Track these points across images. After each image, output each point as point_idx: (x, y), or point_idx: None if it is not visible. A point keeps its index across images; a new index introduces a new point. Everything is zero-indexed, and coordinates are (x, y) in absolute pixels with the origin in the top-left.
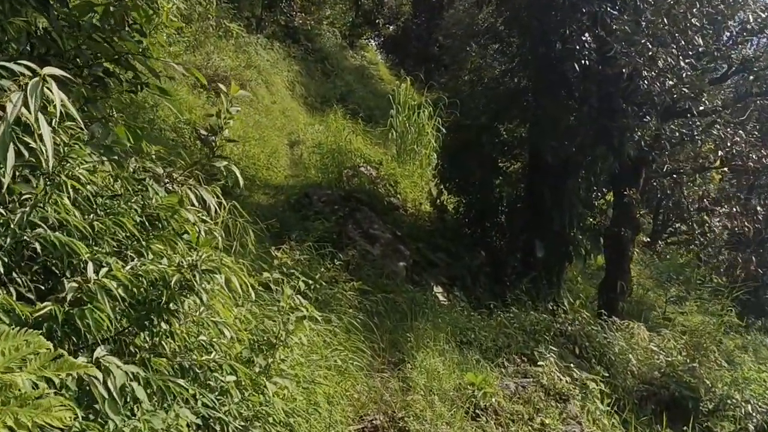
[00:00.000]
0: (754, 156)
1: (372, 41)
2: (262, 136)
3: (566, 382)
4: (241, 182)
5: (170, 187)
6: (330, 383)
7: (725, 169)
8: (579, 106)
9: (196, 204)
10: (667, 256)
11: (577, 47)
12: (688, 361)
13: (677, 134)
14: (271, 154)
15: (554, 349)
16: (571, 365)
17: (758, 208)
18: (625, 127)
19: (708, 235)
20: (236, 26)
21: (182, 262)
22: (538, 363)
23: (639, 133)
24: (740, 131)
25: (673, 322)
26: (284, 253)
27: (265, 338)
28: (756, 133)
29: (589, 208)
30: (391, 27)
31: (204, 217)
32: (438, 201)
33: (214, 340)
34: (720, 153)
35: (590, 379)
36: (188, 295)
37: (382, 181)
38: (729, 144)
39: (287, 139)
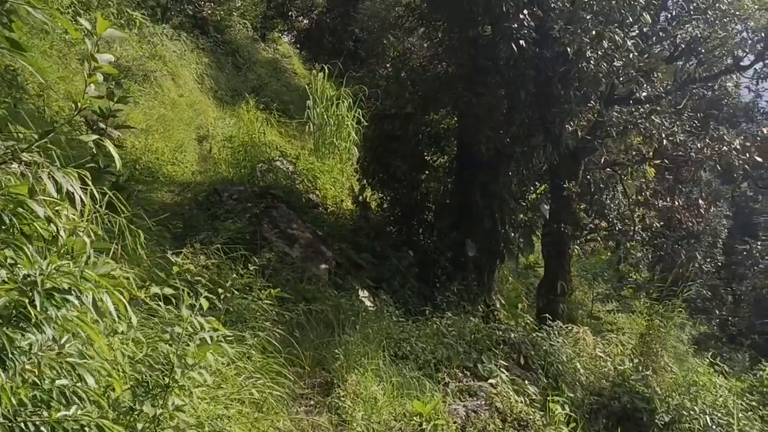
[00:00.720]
0: (697, 145)
1: (285, 35)
2: (168, 129)
3: (522, 403)
4: (118, 164)
5: (18, 171)
6: (244, 424)
7: (665, 160)
8: (513, 92)
9: (56, 194)
10: (591, 252)
11: (515, 26)
12: (640, 369)
13: (621, 122)
14: (177, 149)
15: (501, 362)
16: (525, 381)
17: (700, 201)
18: (566, 114)
19: (631, 231)
20: (140, 15)
21: (25, 276)
22: (489, 380)
23: (579, 121)
24: (677, 121)
25: (600, 321)
26: (186, 258)
27: (155, 376)
28: (696, 122)
29: (522, 204)
30: (304, 21)
31: (72, 213)
32: (360, 197)
33: (78, 385)
34: (655, 144)
35: (552, 400)
36: (25, 328)
37: (299, 176)
38: (667, 134)
39: (195, 133)
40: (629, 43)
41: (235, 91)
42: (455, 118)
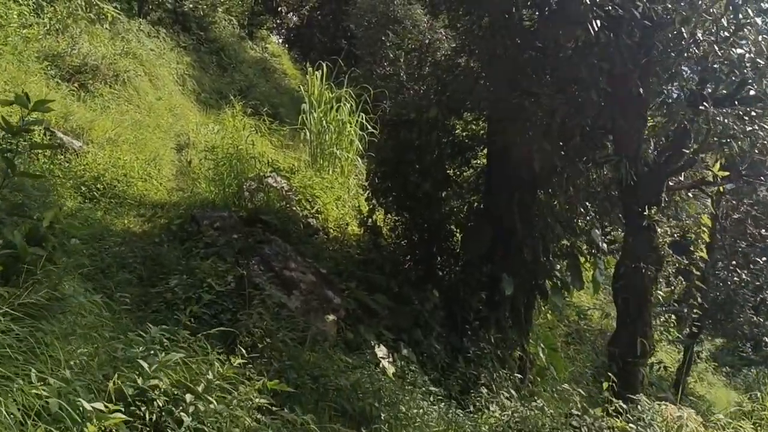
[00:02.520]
0: None
1: (273, 34)
2: (141, 138)
3: None
4: None
5: None
6: None
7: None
8: (580, 91)
9: None
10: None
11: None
12: None
13: (729, 127)
14: (151, 161)
15: None
16: None
17: None
18: (645, 120)
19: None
20: (112, 8)
21: None
22: None
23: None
24: None
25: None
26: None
27: None
28: None
29: (570, 230)
30: (294, 17)
31: None
32: (369, 220)
33: None
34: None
35: None
36: None
37: (296, 195)
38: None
39: (174, 141)
40: (759, 20)
41: (221, 93)
42: (484, 124)
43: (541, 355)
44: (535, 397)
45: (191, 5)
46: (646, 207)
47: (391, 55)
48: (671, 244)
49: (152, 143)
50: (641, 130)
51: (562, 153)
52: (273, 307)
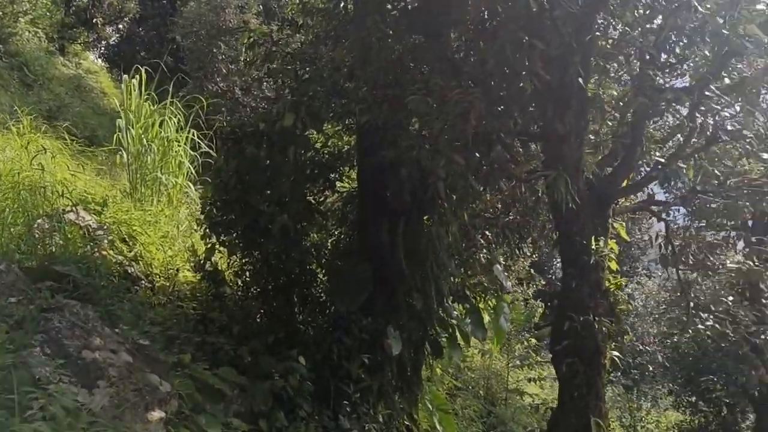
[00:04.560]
0: None
1: (90, 50)
2: None
3: None
4: None
5: None
6: None
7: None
8: (508, 82)
9: None
10: None
11: None
12: None
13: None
14: None
15: None
16: None
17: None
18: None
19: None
20: None
21: None
22: None
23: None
24: None
25: None
26: None
27: None
28: None
29: (467, 266)
30: (110, 29)
31: None
32: (208, 264)
33: None
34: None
35: None
36: None
37: (107, 234)
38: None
39: None
40: None
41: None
42: (350, 138)
43: (435, 420)
44: None
45: None
46: (593, 238)
47: (224, 70)
48: None
49: None
50: (582, 135)
51: (483, 167)
52: (63, 417)
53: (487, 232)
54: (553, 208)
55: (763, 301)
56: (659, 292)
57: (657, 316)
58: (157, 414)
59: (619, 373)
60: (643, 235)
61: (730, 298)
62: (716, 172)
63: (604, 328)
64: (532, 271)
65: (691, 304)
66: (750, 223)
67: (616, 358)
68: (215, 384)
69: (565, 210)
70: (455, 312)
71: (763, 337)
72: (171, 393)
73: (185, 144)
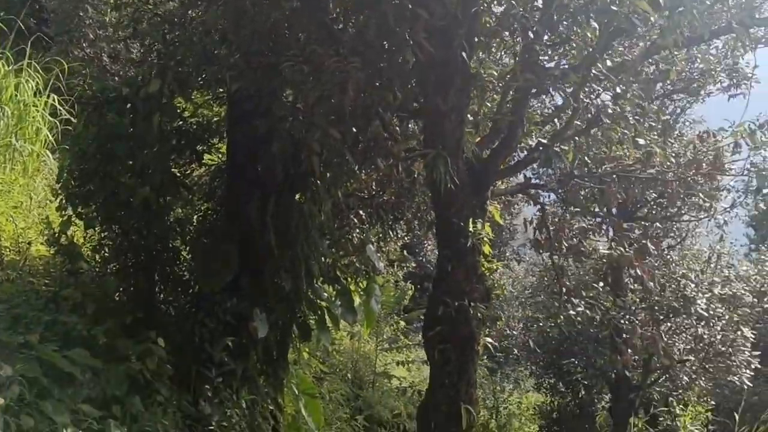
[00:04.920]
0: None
1: None
2: None
3: None
4: None
5: None
6: None
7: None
8: (389, 55)
9: None
10: None
11: None
12: None
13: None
14: None
15: None
16: None
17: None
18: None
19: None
20: None
21: None
22: None
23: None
24: None
25: None
26: None
27: None
28: None
29: (339, 246)
30: None
31: None
32: (63, 238)
33: None
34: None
35: None
36: None
37: None
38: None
39: None
40: None
41: None
42: (220, 108)
43: (300, 405)
44: None
45: None
46: (470, 220)
47: (92, 36)
48: None
49: None
50: (463, 113)
51: (360, 143)
52: None
53: (360, 212)
54: (431, 189)
55: (630, 286)
56: (526, 276)
57: (523, 300)
58: None
59: (485, 357)
60: (513, 219)
61: (601, 284)
62: (591, 157)
63: (479, 314)
64: (405, 252)
65: (563, 289)
66: (614, 210)
67: (489, 345)
68: (65, 367)
69: (444, 191)
70: (325, 294)
71: (624, 321)
72: (12, 377)
73: (43, 109)
